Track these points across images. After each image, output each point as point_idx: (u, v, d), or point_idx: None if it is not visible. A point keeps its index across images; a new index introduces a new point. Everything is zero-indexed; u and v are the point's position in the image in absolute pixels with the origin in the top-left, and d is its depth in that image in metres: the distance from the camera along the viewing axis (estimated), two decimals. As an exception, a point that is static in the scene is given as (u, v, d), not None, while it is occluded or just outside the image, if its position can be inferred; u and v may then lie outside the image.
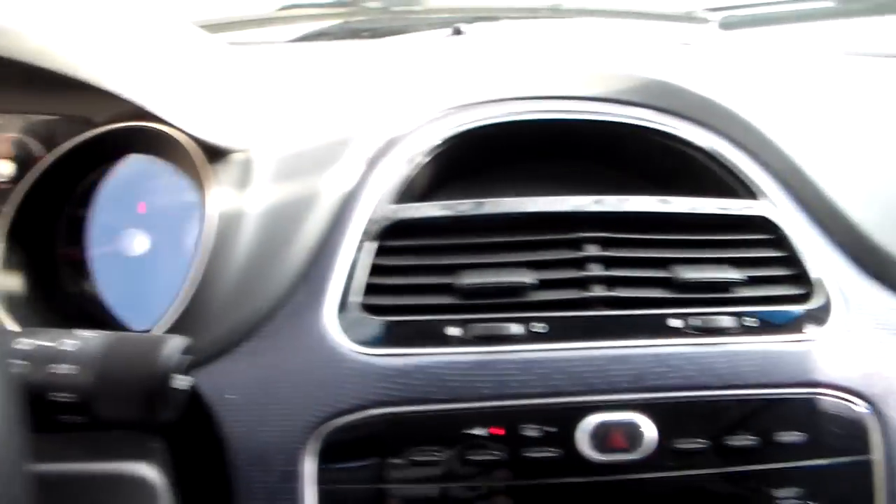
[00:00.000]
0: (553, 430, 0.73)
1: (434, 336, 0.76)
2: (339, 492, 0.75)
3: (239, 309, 0.77)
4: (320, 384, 0.75)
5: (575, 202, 0.82)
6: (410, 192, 0.85)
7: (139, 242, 0.85)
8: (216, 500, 0.75)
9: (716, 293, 0.79)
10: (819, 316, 0.80)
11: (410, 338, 0.76)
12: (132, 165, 0.86)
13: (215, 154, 0.81)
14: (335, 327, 0.76)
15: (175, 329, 0.76)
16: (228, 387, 0.76)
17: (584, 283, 0.79)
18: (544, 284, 0.78)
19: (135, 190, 0.86)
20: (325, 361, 0.75)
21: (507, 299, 0.77)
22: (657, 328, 0.77)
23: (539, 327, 0.76)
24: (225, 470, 0.75)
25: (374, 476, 0.75)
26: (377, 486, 0.75)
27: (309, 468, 0.74)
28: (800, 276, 0.83)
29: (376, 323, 0.76)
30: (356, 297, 0.77)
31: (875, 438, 0.78)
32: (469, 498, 0.74)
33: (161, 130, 0.81)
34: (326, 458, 0.74)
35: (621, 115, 0.91)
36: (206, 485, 0.76)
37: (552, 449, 0.73)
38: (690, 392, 0.75)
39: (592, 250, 0.80)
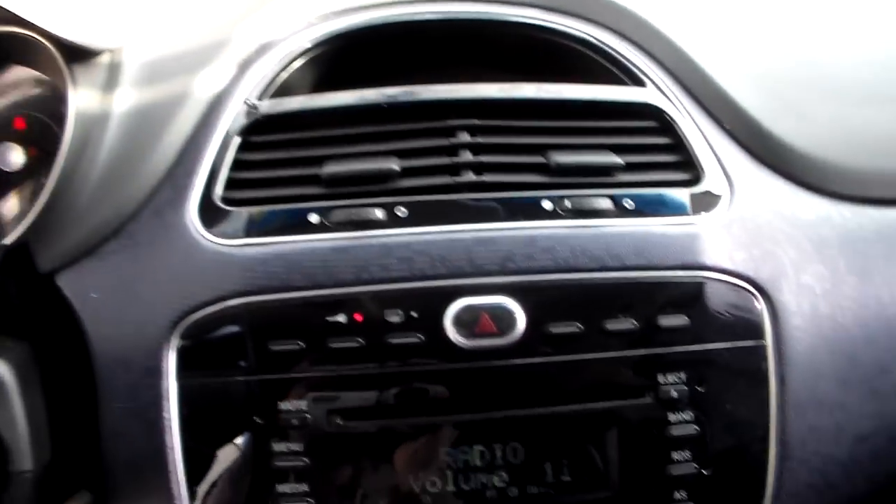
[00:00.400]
0: (417, 315, 0.70)
1: (294, 224, 0.73)
2: (201, 385, 0.73)
3: (102, 209, 0.75)
4: (180, 278, 0.73)
5: (446, 89, 0.78)
6: (285, 93, 0.83)
7: (15, 156, 0.82)
8: (81, 399, 0.74)
9: (594, 177, 0.76)
10: (704, 200, 0.77)
11: (271, 227, 0.73)
12: (7, 78, 0.83)
13: (80, 55, 0.79)
14: (196, 222, 0.74)
15: (35, 232, 0.74)
16: (92, 287, 0.75)
17: (454, 170, 0.76)
18: (412, 171, 0.75)
19: (12, 103, 0.84)
20: (186, 256, 0.73)
21: (374, 186, 0.75)
22: (528, 211, 0.74)
23: (402, 211, 0.72)
24: (89, 369, 0.73)
25: (236, 368, 0.72)
26: (239, 377, 0.72)
27: (170, 363, 0.72)
28: (686, 163, 0.80)
29: (237, 215, 0.74)
30: (219, 191, 0.74)
31: (764, 323, 0.74)
32: (331, 386, 0.70)
33: (24, 34, 0.79)
34: (187, 352, 0.73)
35: (503, 14, 0.88)
36: (71, 385, 0.75)
37: (417, 335, 0.70)
38: (563, 274, 0.72)
39: (464, 137, 0.77)
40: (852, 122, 0.85)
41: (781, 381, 0.74)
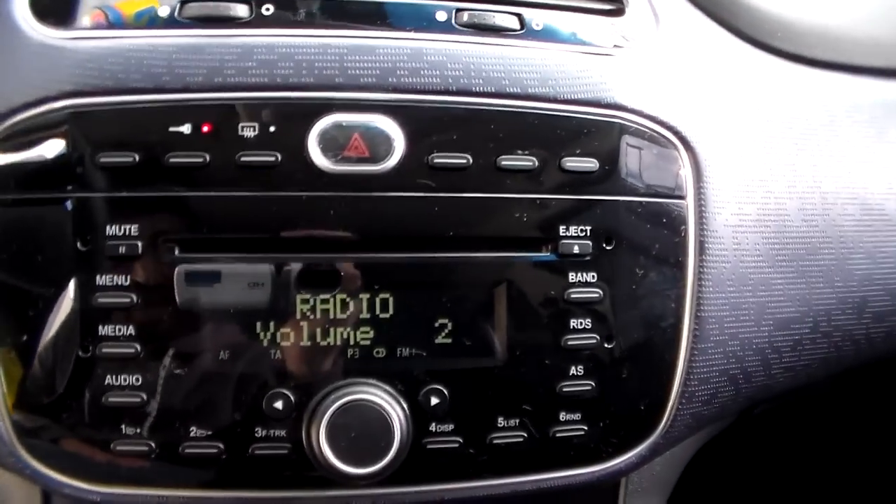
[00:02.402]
0: (275, 129, 0.57)
1: (141, 17, 0.59)
2: (16, 205, 0.60)
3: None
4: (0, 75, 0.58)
5: None
6: None
7: None
8: None
9: None
10: (627, 33, 0.64)
11: (112, 19, 0.60)
12: None
13: None
14: (24, 9, 0.60)
15: None
16: None
17: None
18: None
19: None
20: (8, 49, 0.61)
21: None
22: (419, 20, 0.61)
23: (268, 9, 0.59)
24: None
25: (59, 184, 0.60)
26: (62, 194, 0.60)
27: None
28: None
29: (74, 3, 0.61)
30: None
31: (685, 179, 0.62)
32: (168, 210, 0.59)
33: None
34: (5, 160, 0.60)
35: None
36: None
37: (273, 153, 0.57)
38: (453, 97, 0.59)
39: None
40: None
41: (701, 248, 0.65)
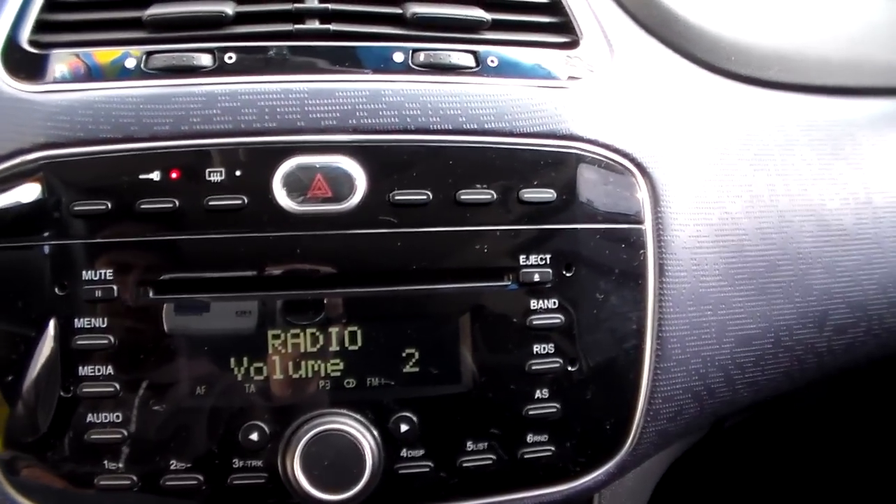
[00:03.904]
0: (241, 174, 0.60)
1: (107, 69, 0.62)
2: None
3: None
4: (-31, 130, 0.61)
5: None
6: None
7: None
8: None
9: (458, 32, 0.66)
10: (581, 65, 0.67)
11: (81, 73, 0.63)
12: None
13: None
14: None
15: None
16: None
17: (298, 18, 0.65)
18: (249, 17, 0.64)
19: None
20: None
21: (202, 32, 0.64)
22: (376, 62, 0.64)
23: (231, 58, 0.62)
24: None
25: (35, 233, 0.63)
26: (38, 243, 0.63)
27: None
28: (564, 25, 0.70)
29: (45, 58, 0.63)
30: (26, 34, 0.63)
31: (643, 204, 0.65)
32: (141, 254, 0.61)
33: None
34: None
35: None
36: None
37: (240, 196, 0.59)
38: (411, 135, 0.61)
39: None
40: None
41: (661, 270, 0.67)
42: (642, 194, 0.67)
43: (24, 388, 0.62)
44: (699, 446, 0.85)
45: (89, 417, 0.61)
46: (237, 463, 0.61)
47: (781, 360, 0.72)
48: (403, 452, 0.63)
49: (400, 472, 0.63)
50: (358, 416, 0.62)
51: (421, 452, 0.63)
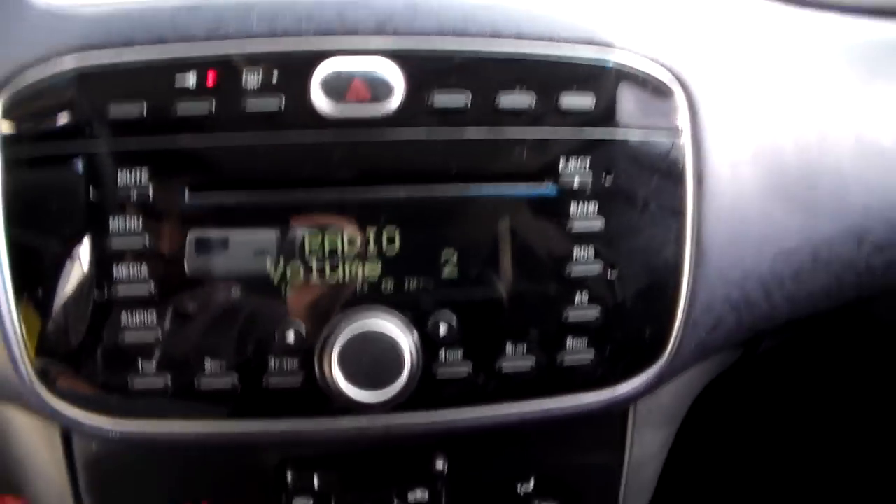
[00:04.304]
0: (278, 76, 0.59)
1: None
2: (29, 163, 0.62)
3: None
4: (6, 39, 0.63)
5: None
6: None
7: None
8: None
9: None
10: None
11: None
12: None
13: None
14: None
15: None
16: None
17: None
18: None
19: None
20: (14, 16, 0.63)
21: None
22: (412, -30, 0.62)
23: None
24: None
25: (69, 138, 0.62)
26: (73, 150, 0.62)
27: None
28: None
29: None
30: None
31: (681, 114, 0.64)
32: (178, 158, 0.62)
33: None
34: (14, 121, 0.62)
35: None
36: None
37: (278, 98, 0.59)
38: (449, 39, 0.61)
39: None
40: None
41: (699, 181, 0.67)
42: (681, 106, 0.66)
43: (59, 290, 0.62)
44: (732, 372, 0.84)
45: (124, 320, 0.60)
46: (273, 364, 0.61)
47: (820, 275, 0.71)
48: (442, 354, 0.62)
49: (438, 374, 0.62)
50: (396, 317, 0.61)
51: (460, 355, 0.62)
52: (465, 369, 0.63)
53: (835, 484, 1.17)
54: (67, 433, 0.70)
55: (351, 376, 0.60)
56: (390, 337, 0.60)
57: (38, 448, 0.71)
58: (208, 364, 0.61)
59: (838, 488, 1.18)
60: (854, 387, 1.07)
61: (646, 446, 0.75)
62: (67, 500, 0.71)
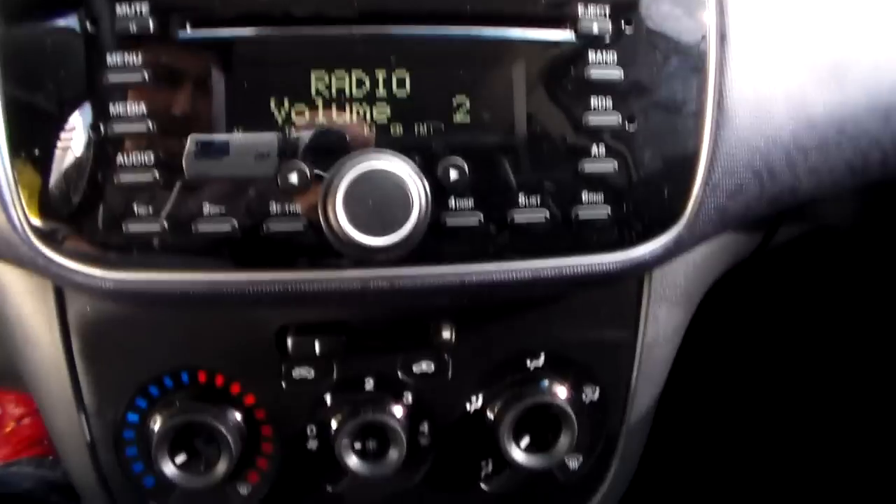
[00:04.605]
0: None
1: None
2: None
3: None
4: None
5: None
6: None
7: None
8: None
9: None
10: None
11: None
12: None
13: None
14: None
15: None
16: None
17: None
18: None
19: None
20: None
21: None
22: None
23: None
24: None
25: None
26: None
27: None
28: None
29: None
30: None
31: None
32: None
33: None
34: None
35: None
36: None
37: None
38: None
39: None
40: None
41: (722, 37, 0.65)
42: None
43: (53, 135, 0.59)
44: (747, 268, 0.81)
45: (119, 159, 0.57)
46: (274, 207, 0.58)
47: (845, 149, 0.68)
48: (452, 202, 0.59)
49: (448, 222, 0.59)
50: (405, 161, 0.58)
51: (470, 203, 0.59)
52: (475, 219, 0.59)
53: (842, 384, 1.15)
54: (61, 294, 0.66)
55: (356, 219, 0.57)
56: (398, 176, 0.57)
57: (32, 313, 0.68)
58: (206, 207, 0.58)
59: (845, 389, 1.15)
60: (869, 292, 1.03)
61: (660, 325, 0.72)
62: (62, 368, 0.67)
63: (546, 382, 0.72)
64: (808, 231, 0.87)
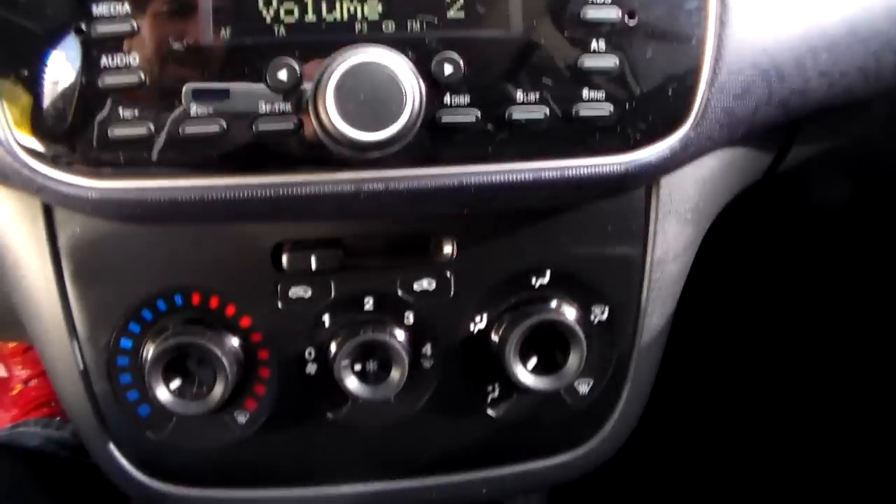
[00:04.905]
0: None
1: None
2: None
3: None
4: None
5: None
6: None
7: None
8: None
9: None
10: None
11: None
12: None
13: None
14: None
15: None
16: None
17: None
18: None
19: None
20: None
21: None
22: None
23: None
24: None
25: None
26: None
27: None
28: None
29: None
30: None
31: None
32: None
33: None
34: None
35: None
36: None
37: None
38: None
39: None
40: None
41: None
42: None
43: (36, 37, 0.57)
44: (753, 194, 0.78)
45: (103, 61, 0.55)
46: (263, 107, 0.55)
47: (856, 52, 0.66)
48: (447, 98, 0.57)
49: (443, 120, 0.57)
50: (398, 56, 0.55)
51: (466, 99, 0.57)
52: (472, 116, 0.57)
53: (849, 317, 1.12)
54: (51, 217, 0.65)
55: (347, 113, 0.54)
56: (390, 69, 0.55)
57: (21, 238, 0.66)
58: (193, 107, 0.55)
59: (852, 322, 1.12)
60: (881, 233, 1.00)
61: (669, 242, 0.70)
62: (53, 293, 0.65)
63: (554, 302, 0.69)
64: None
